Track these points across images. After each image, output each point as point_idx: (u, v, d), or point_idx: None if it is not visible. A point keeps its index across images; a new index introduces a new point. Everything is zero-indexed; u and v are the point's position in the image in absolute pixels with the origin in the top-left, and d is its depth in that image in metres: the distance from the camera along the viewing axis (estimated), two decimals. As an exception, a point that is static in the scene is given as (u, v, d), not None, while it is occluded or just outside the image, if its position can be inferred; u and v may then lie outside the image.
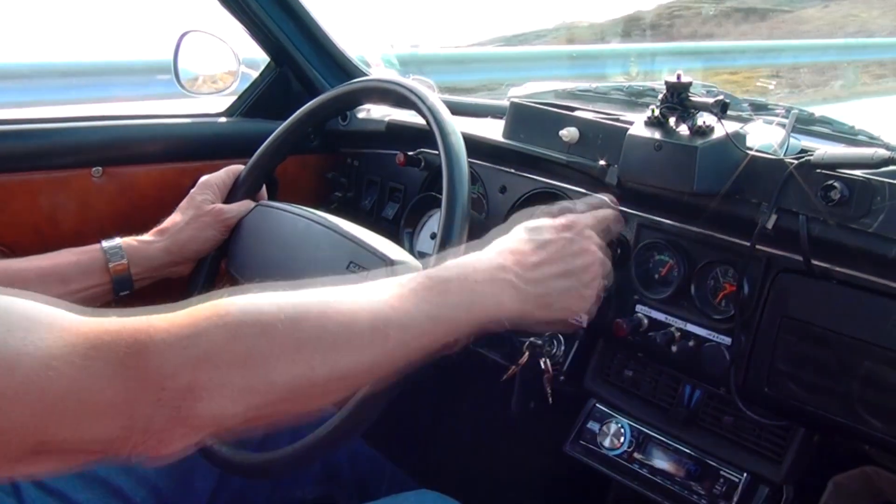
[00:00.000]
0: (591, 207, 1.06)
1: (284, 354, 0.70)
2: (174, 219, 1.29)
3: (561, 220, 0.94)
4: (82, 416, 0.60)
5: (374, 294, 0.79)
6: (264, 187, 1.39)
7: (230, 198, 1.34)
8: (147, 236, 1.26)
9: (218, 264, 1.33)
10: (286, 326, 0.71)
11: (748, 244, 1.06)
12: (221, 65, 1.65)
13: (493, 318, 0.84)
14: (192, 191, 1.32)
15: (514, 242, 0.91)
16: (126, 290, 1.22)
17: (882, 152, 0.97)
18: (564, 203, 1.06)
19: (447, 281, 0.83)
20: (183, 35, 1.61)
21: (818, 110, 1.24)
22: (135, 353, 0.62)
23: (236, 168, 1.37)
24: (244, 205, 1.32)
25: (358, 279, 1.08)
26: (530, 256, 0.89)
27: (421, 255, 1.51)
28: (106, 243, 1.22)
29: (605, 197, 1.10)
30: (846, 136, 1.22)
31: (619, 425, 1.28)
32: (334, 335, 0.73)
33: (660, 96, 1.14)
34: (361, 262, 1.09)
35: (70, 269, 1.19)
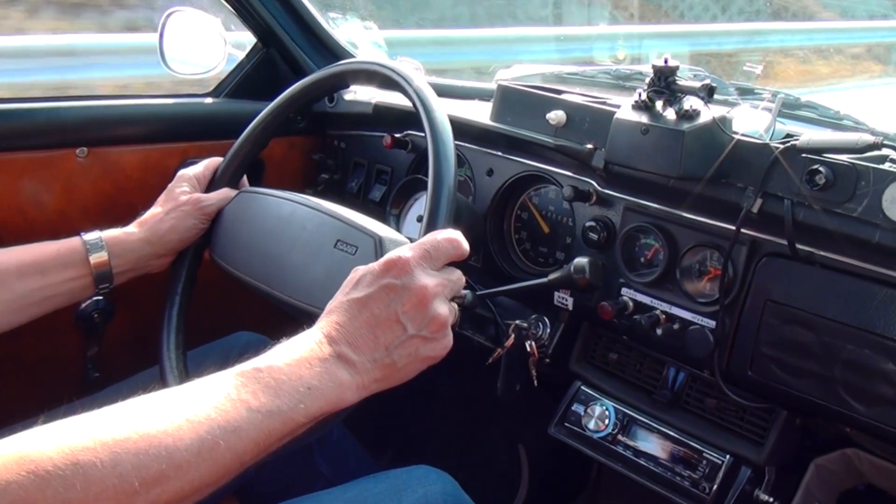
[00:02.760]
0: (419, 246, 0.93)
1: (102, 498, 0.64)
2: (154, 211, 1.28)
3: (377, 264, 0.86)
4: None
5: (199, 403, 0.72)
6: (245, 177, 1.38)
7: (210, 188, 1.33)
8: (128, 227, 1.26)
9: (200, 255, 1.32)
10: (103, 470, 0.64)
11: (733, 228, 1.06)
12: (207, 45, 1.64)
13: (335, 402, 0.79)
14: (171, 184, 1.31)
15: (338, 311, 0.84)
16: (106, 284, 1.21)
17: (867, 137, 0.98)
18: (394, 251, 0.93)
19: (278, 369, 0.77)
20: (168, 14, 1.59)
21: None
22: None
23: (214, 161, 1.36)
24: (224, 193, 1.30)
25: (345, 258, 1.08)
26: (356, 321, 0.83)
27: (408, 235, 1.51)
28: (86, 235, 1.20)
29: (455, 236, 0.93)
30: (831, 121, 1.23)
31: (604, 407, 1.29)
32: (158, 468, 0.67)
33: (647, 80, 1.14)
34: (349, 240, 1.09)
35: (49, 261, 1.17)
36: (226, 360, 1.39)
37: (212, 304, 1.42)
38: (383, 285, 0.84)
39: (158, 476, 0.67)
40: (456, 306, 0.90)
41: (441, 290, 0.86)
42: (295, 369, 0.78)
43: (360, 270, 0.87)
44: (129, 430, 0.68)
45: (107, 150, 1.53)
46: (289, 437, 0.77)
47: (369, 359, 0.82)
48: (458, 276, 0.90)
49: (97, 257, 1.20)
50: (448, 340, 0.86)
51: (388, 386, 0.84)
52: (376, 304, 0.83)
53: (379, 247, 1.05)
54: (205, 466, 0.70)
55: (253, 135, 1.33)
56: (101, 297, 1.55)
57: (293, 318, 1.12)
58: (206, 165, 1.34)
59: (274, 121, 1.33)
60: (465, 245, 0.91)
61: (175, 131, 1.62)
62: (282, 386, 0.76)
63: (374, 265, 0.86)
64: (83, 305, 1.54)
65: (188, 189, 1.29)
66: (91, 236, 1.21)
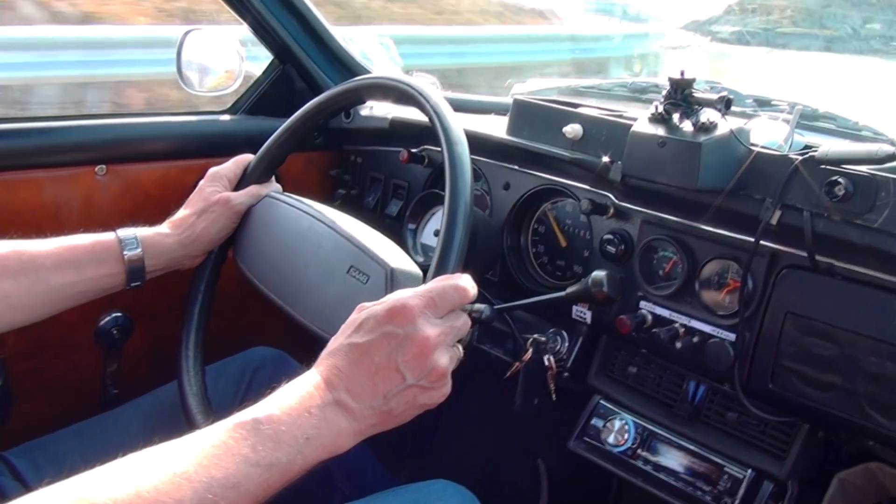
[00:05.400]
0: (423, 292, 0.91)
1: None
2: (186, 212, 1.29)
3: (381, 309, 0.84)
4: None
5: (197, 459, 0.71)
6: (274, 177, 1.39)
7: (239, 187, 1.34)
8: (162, 228, 1.26)
9: (225, 253, 1.33)
10: None
11: (752, 240, 1.06)
12: (224, 63, 1.65)
13: (332, 450, 0.79)
14: (201, 182, 1.32)
15: (339, 354, 0.83)
16: (138, 282, 1.22)
17: (887, 148, 0.97)
18: (397, 292, 0.92)
19: (276, 420, 0.76)
20: (186, 33, 1.61)
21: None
22: None
23: (245, 158, 1.36)
24: (254, 190, 1.31)
25: (356, 286, 1.08)
26: (356, 368, 0.81)
27: (424, 248, 1.51)
28: (122, 232, 1.21)
29: (462, 283, 0.90)
30: (850, 131, 1.22)
31: (624, 422, 1.28)
32: None
33: (663, 92, 1.14)
34: (362, 268, 1.09)
35: (85, 256, 1.18)
36: (242, 375, 1.39)
37: (230, 319, 1.42)
38: (385, 333, 0.82)
39: None
40: (460, 350, 0.89)
41: (444, 339, 0.84)
42: (294, 419, 0.77)
43: (363, 312, 0.86)
44: (127, 490, 0.67)
45: (126, 168, 1.54)
46: (284, 486, 0.76)
47: (367, 406, 0.81)
48: (462, 321, 0.88)
49: (132, 254, 1.20)
50: (446, 389, 0.85)
51: (382, 430, 0.83)
52: (377, 351, 0.82)
53: (390, 279, 1.05)
54: None
55: (279, 140, 1.34)
56: (120, 314, 1.56)
57: (310, 335, 1.13)
58: (236, 162, 1.35)
59: (295, 133, 1.34)
60: (473, 291, 0.89)
61: (193, 148, 1.63)
62: (281, 437, 0.75)
63: (379, 309, 0.84)
64: (102, 322, 1.55)
65: (219, 188, 1.30)
66: (126, 233, 1.21)
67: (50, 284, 1.15)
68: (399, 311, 0.83)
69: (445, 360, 0.84)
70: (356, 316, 0.86)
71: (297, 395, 0.80)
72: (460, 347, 0.89)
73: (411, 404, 0.83)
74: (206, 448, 0.73)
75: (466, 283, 0.89)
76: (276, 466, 0.74)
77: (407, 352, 0.82)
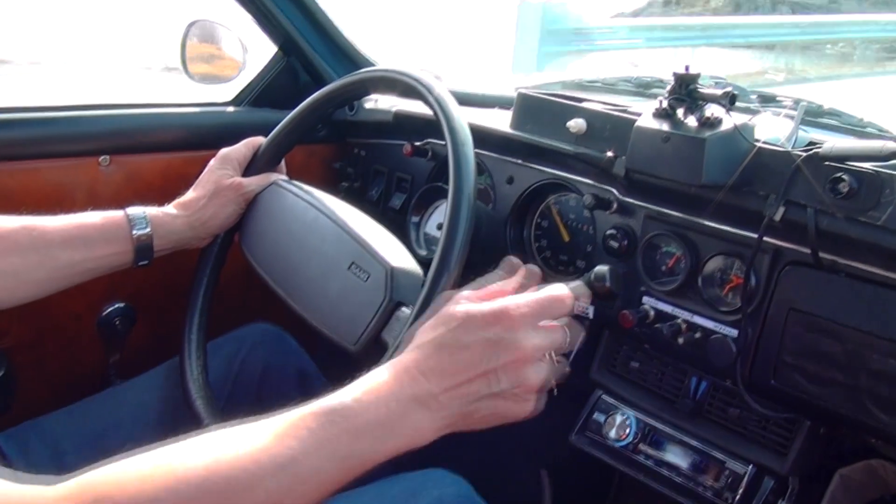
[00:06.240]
0: (523, 284, 0.94)
1: None
2: (196, 194, 1.29)
3: (487, 311, 0.82)
4: None
5: (278, 440, 0.72)
6: (283, 162, 1.40)
7: (249, 171, 1.34)
8: (169, 208, 1.27)
9: (231, 237, 1.34)
10: None
11: (755, 236, 1.06)
12: (228, 54, 1.65)
13: (410, 444, 0.78)
14: (212, 163, 1.32)
15: (430, 348, 0.81)
16: (146, 261, 1.23)
17: (891, 145, 0.97)
18: (495, 283, 0.94)
19: (360, 411, 0.75)
20: (191, 24, 1.61)
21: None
22: None
23: (256, 140, 1.37)
24: (264, 178, 1.32)
25: (357, 283, 1.09)
26: (447, 366, 0.79)
27: (428, 241, 1.51)
28: (131, 211, 1.22)
29: (569, 295, 0.91)
30: (855, 128, 1.22)
31: (625, 416, 1.28)
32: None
33: (668, 87, 1.13)
34: (363, 265, 1.10)
35: (94, 233, 1.19)
36: (238, 350, 1.40)
37: (230, 294, 1.42)
38: (487, 338, 0.80)
39: None
40: (566, 364, 0.87)
41: (542, 354, 0.83)
42: (375, 411, 0.76)
43: (461, 308, 0.83)
44: (205, 461, 0.68)
45: (129, 159, 1.55)
46: (362, 475, 0.76)
47: (450, 405, 0.79)
48: (561, 335, 0.87)
49: (141, 233, 1.21)
50: (531, 405, 0.83)
51: (457, 430, 0.81)
52: (473, 353, 0.80)
53: (390, 278, 1.06)
54: None
55: (293, 122, 1.34)
56: (123, 304, 1.56)
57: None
58: (247, 145, 1.36)
59: (299, 125, 1.34)
60: (576, 302, 0.90)
61: (197, 140, 1.63)
62: (361, 429, 0.75)
63: (481, 310, 0.82)
64: (105, 312, 1.55)
65: (230, 172, 1.31)
66: (135, 212, 1.22)
67: (59, 261, 1.16)
68: (504, 315, 0.82)
69: (540, 375, 0.82)
70: (452, 310, 0.84)
71: (381, 384, 0.78)
72: (566, 362, 0.87)
73: (492, 411, 0.81)
74: (287, 431, 0.73)
75: (575, 292, 0.89)
76: (357, 457, 0.74)
77: (503, 359, 0.80)
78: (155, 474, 0.66)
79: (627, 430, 1.27)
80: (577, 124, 1.28)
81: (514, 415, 0.83)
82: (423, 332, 0.84)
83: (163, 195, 1.30)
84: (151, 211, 1.24)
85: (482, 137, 1.29)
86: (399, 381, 0.79)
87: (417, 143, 1.54)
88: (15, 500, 0.62)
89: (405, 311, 1.04)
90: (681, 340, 1.16)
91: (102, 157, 1.51)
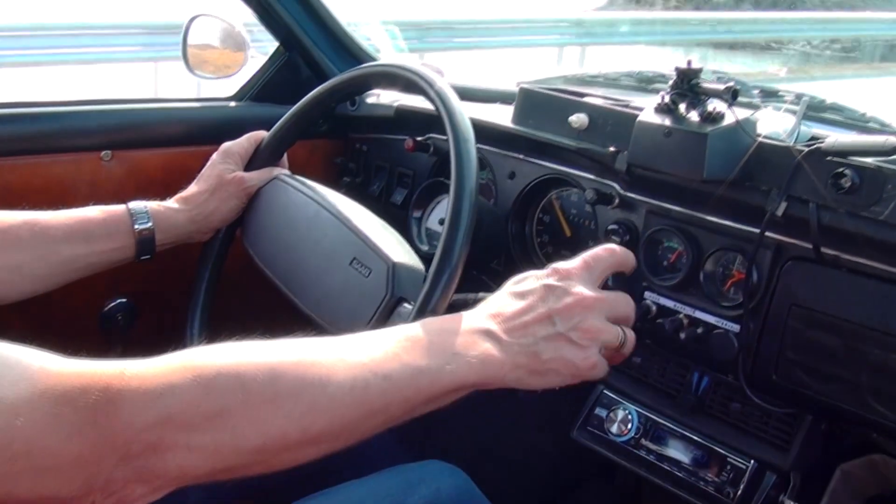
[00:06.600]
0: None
1: (258, 416, 0.68)
2: (198, 188, 1.29)
3: (545, 269, 0.88)
4: (44, 472, 0.58)
5: (354, 348, 0.77)
6: (286, 156, 1.40)
7: (251, 165, 1.34)
8: (171, 203, 1.27)
9: (233, 232, 1.34)
10: (261, 385, 0.68)
11: (757, 231, 1.06)
12: (230, 49, 1.65)
13: (479, 371, 0.80)
14: (214, 157, 1.32)
15: (496, 298, 0.88)
16: (147, 255, 1.23)
17: (894, 140, 0.97)
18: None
19: (429, 333, 0.81)
20: (192, 19, 1.61)
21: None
22: (105, 404, 0.61)
23: (258, 135, 1.37)
24: (266, 172, 1.32)
25: (358, 279, 1.09)
26: (510, 307, 0.85)
27: (430, 236, 1.51)
28: (133, 205, 1.22)
29: (612, 246, 0.94)
30: (857, 123, 1.22)
31: (627, 412, 1.28)
32: (312, 396, 0.70)
33: (670, 82, 1.13)
34: (364, 261, 1.10)
35: (96, 228, 1.19)
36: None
37: (232, 289, 1.42)
38: (545, 284, 0.86)
39: (311, 404, 0.70)
40: (630, 333, 0.89)
41: (599, 305, 0.85)
42: (445, 335, 0.81)
43: (525, 273, 0.90)
44: (289, 356, 0.72)
45: (131, 153, 1.54)
46: (433, 404, 0.80)
47: (517, 341, 0.82)
48: (623, 298, 0.89)
49: (142, 228, 1.21)
50: (593, 357, 0.85)
51: (529, 380, 0.84)
52: (533, 297, 0.85)
53: (392, 273, 1.07)
54: (355, 406, 0.73)
55: (295, 116, 1.34)
56: (125, 300, 1.56)
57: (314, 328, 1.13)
58: (249, 139, 1.36)
59: (301, 120, 1.34)
60: (626, 256, 0.92)
61: (199, 135, 1.63)
62: (431, 347, 0.79)
63: (539, 269, 0.88)
64: (107, 308, 1.55)
65: (232, 166, 1.31)
66: (137, 206, 1.22)
67: (61, 255, 1.16)
68: (558, 268, 0.87)
69: (598, 323, 0.85)
70: (516, 277, 0.90)
71: (452, 319, 0.85)
72: (630, 332, 0.89)
73: (559, 355, 0.84)
74: (363, 342, 0.78)
75: (618, 248, 0.93)
76: (427, 372, 0.77)
77: (561, 301, 0.84)
78: (251, 360, 0.70)
79: (629, 426, 1.27)
80: (578, 119, 1.28)
81: (577, 362, 0.84)
82: (505, 285, 0.90)
83: (165, 190, 1.30)
84: (153, 205, 1.24)
85: (484, 132, 1.29)
86: (472, 318, 0.84)
87: (419, 139, 1.54)
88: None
89: (407, 306, 1.04)
90: (682, 336, 1.16)
91: (104, 153, 1.51)
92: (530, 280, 0.88)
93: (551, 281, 0.86)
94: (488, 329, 0.83)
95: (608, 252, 0.91)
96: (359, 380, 0.73)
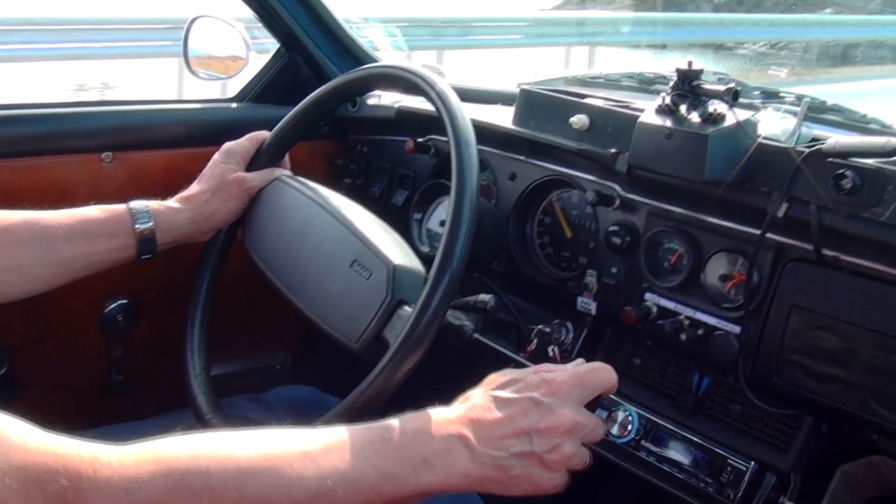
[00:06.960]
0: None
1: None
2: (199, 188, 1.29)
3: (535, 378, 0.86)
4: None
5: (326, 448, 0.76)
6: (287, 157, 1.39)
7: (252, 166, 1.34)
8: (173, 202, 1.27)
9: (234, 232, 1.34)
10: (228, 490, 0.68)
11: (758, 233, 1.06)
12: (231, 50, 1.65)
13: (444, 481, 0.79)
14: (216, 157, 1.32)
15: (477, 398, 0.85)
16: (148, 255, 1.23)
17: (894, 141, 0.97)
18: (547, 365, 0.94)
19: (404, 434, 0.79)
20: (193, 20, 1.61)
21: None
22: (73, 493, 0.61)
23: (260, 135, 1.37)
24: (267, 173, 1.32)
25: (359, 281, 1.09)
26: (489, 415, 0.82)
27: (430, 237, 1.51)
28: (134, 204, 1.22)
29: (609, 367, 0.91)
30: (858, 124, 1.22)
31: (627, 413, 1.28)
32: (279, 495, 0.70)
33: (671, 84, 1.13)
34: (365, 263, 1.10)
35: (97, 227, 1.19)
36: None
37: (232, 289, 1.42)
38: (530, 397, 0.83)
39: None
40: (588, 454, 0.87)
41: (578, 431, 0.84)
42: (419, 438, 0.79)
43: (510, 374, 0.87)
44: (260, 456, 0.72)
45: (132, 155, 1.54)
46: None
47: (489, 452, 0.81)
48: (597, 422, 0.87)
49: (143, 227, 1.21)
50: (560, 480, 0.84)
51: (492, 490, 0.83)
52: (515, 408, 0.82)
53: (392, 276, 1.07)
54: None
55: (297, 117, 1.34)
56: (125, 301, 1.56)
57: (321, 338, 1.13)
58: (250, 139, 1.36)
59: (302, 121, 1.34)
60: (615, 379, 0.89)
61: (200, 136, 1.63)
62: (403, 450, 0.78)
63: (529, 376, 0.86)
64: (107, 309, 1.55)
65: (234, 167, 1.31)
66: (138, 206, 1.22)
67: (61, 255, 1.16)
68: (549, 383, 0.84)
69: (572, 448, 0.84)
70: (502, 376, 0.87)
71: (427, 419, 0.82)
72: (587, 452, 0.87)
73: (527, 472, 0.82)
74: (335, 440, 0.77)
75: (612, 371, 0.89)
76: (392, 478, 0.76)
77: (542, 421, 0.82)
78: (219, 457, 0.70)
79: (629, 427, 1.26)
80: (579, 120, 1.28)
81: (543, 485, 0.83)
82: (472, 391, 0.87)
83: (165, 192, 1.30)
84: (154, 205, 1.24)
85: (485, 134, 1.29)
86: (447, 420, 0.82)
87: (420, 140, 1.54)
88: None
89: (407, 309, 1.04)
90: (683, 337, 1.16)
91: (105, 154, 1.51)
92: (517, 386, 0.85)
93: (537, 395, 0.83)
94: (463, 435, 0.80)
95: (606, 372, 0.89)
96: (325, 485, 0.72)
